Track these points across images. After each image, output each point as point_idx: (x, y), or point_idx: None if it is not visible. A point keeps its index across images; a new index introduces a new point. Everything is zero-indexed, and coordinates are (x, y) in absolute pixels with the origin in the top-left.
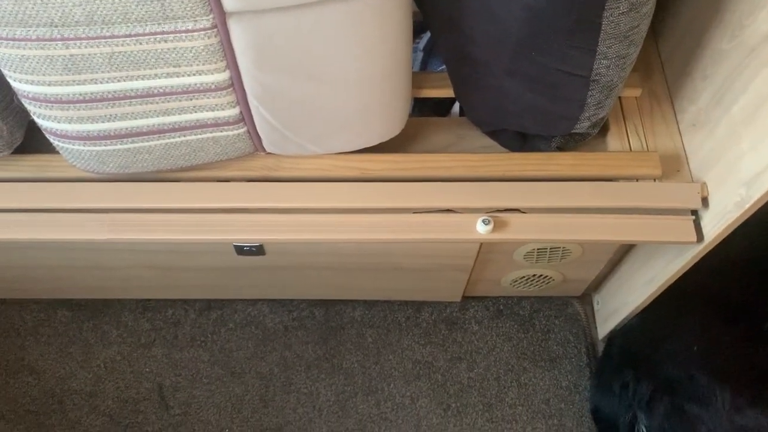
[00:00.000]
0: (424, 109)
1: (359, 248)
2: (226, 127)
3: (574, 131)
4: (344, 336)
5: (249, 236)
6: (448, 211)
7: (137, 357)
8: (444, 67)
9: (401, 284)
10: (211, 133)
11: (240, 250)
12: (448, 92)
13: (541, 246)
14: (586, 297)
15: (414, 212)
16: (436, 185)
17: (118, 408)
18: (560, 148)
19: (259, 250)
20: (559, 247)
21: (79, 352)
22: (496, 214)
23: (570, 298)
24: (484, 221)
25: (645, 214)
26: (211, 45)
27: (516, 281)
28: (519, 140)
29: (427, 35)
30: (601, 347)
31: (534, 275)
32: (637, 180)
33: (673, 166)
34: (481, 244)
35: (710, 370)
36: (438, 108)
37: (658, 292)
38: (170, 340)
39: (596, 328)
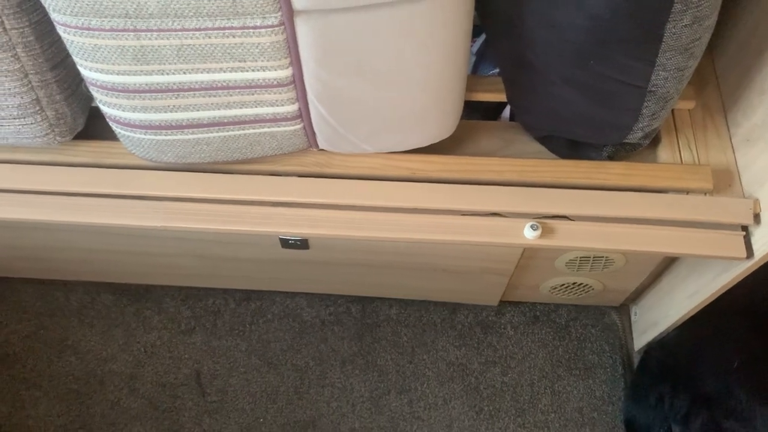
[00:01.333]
0: (473, 112)
1: (402, 247)
2: (283, 123)
3: (625, 141)
4: (380, 333)
5: (299, 230)
6: (496, 214)
7: (177, 343)
8: (495, 71)
9: (439, 285)
10: (268, 127)
11: (285, 243)
12: (499, 96)
13: (584, 254)
14: (624, 307)
15: (462, 214)
16: (484, 188)
17: (157, 392)
18: (611, 157)
19: (303, 244)
20: (603, 256)
21: (121, 335)
22: (544, 221)
23: (607, 308)
24: (532, 227)
25: (694, 227)
26: (277, 42)
27: (555, 288)
28: (569, 147)
29: (480, 39)
30: (636, 358)
31: (574, 283)
32: (687, 193)
33: (724, 181)
34: (524, 249)
35: (750, 387)
36: (486, 112)
37: (701, 307)
38: (210, 328)
39: (632, 339)
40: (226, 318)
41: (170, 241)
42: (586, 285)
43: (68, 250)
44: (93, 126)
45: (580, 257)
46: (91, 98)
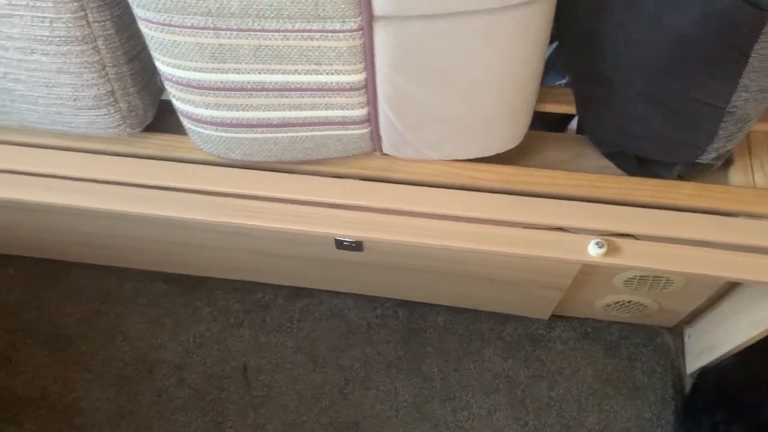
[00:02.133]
0: (538, 122)
1: (458, 255)
2: (351, 126)
3: (697, 161)
4: (426, 339)
5: (358, 233)
6: (560, 229)
7: (225, 336)
8: (563, 81)
9: (490, 295)
10: (336, 130)
11: (340, 244)
12: (567, 108)
13: (644, 273)
14: (677, 329)
15: (524, 227)
16: (549, 202)
17: (203, 383)
18: (681, 177)
19: (358, 246)
20: (663, 277)
21: (171, 324)
22: (610, 238)
23: (660, 328)
24: (597, 244)
25: (764, 254)
26: (354, 46)
27: (609, 305)
28: (638, 164)
29: (550, 47)
30: (688, 382)
31: (630, 301)
32: (759, 218)
33: None
34: (583, 265)
35: None
36: (551, 123)
37: (764, 335)
38: (258, 323)
39: (685, 361)
40: (274, 314)
41: (226, 236)
42: (642, 304)
43: (125, 239)
44: (161, 119)
45: (640, 276)
46: (160, 92)
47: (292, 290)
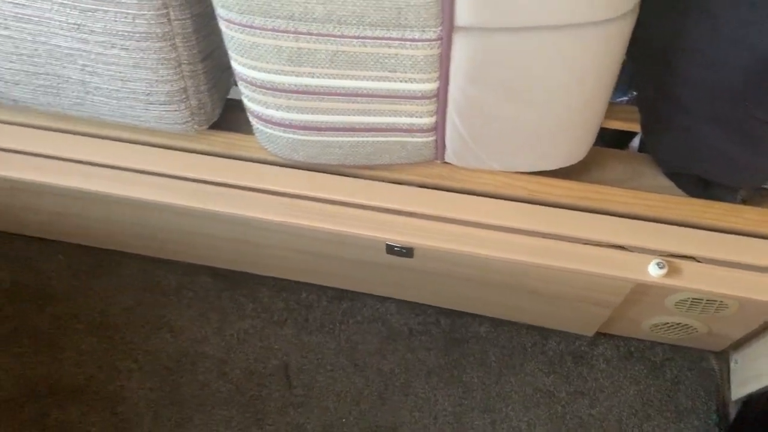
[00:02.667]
0: (598, 139)
1: (510, 267)
2: (417, 134)
3: (764, 186)
4: (467, 350)
5: (416, 240)
6: (620, 247)
7: (268, 333)
8: (624, 98)
9: (536, 308)
10: (401, 137)
11: (390, 249)
12: (630, 126)
13: (698, 296)
14: (723, 354)
15: (584, 243)
16: (610, 219)
17: (245, 379)
18: (744, 201)
19: (408, 252)
20: (717, 300)
21: (216, 319)
22: (670, 259)
23: (706, 352)
24: (658, 264)
25: None
26: (430, 56)
27: (657, 326)
28: (700, 186)
29: None
30: (733, 408)
31: (679, 323)
32: None
33: None
34: (637, 284)
35: None
36: (612, 139)
37: None
38: (301, 323)
39: (730, 388)
40: (317, 314)
41: (278, 234)
42: (692, 327)
43: (176, 232)
44: (224, 117)
45: (693, 298)
46: (227, 90)
47: (336, 292)
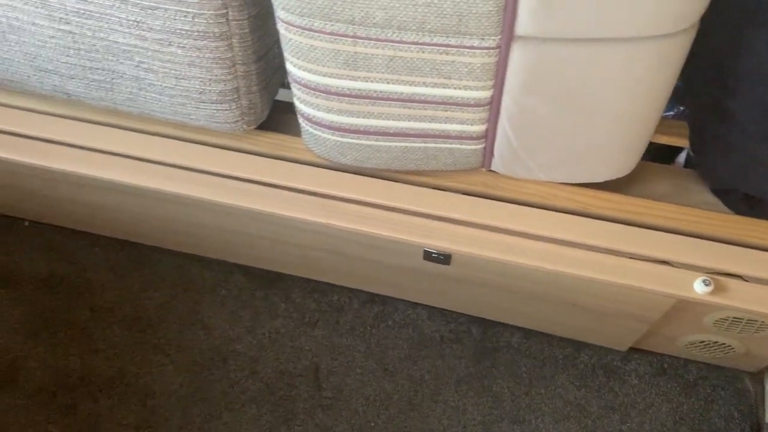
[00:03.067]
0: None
1: (549, 278)
2: (467, 141)
3: None
4: (498, 359)
5: (457, 247)
6: (665, 262)
7: (299, 334)
8: (670, 113)
9: (571, 321)
10: (450, 144)
11: (428, 255)
12: (678, 141)
13: (739, 315)
14: (758, 375)
15: (629, 257)
16: (656, 234)
17: (275, 378)
18: None
19: (446, 259)
20: (757, 320)
21: (248, 317)
22: (716, 277)
23: (741, 372)
24: (704, 282)
25: None
26: (487, 64)
27: (693, 344)
28: (748, 205)
29: None
30: (766, 431)
31: (716, 342)
32: None
33: None
34: (677, 300)
35: None
36: (657, 154)
37: None
38: (332, 324)
39: (765, 410)
40: (348, 317)
41: (316, 235)
42: (729, 346)
43: (213, 229)
44: (271, 118)
45: (734, 317)
46: (276, 91)
47: (367, 296)
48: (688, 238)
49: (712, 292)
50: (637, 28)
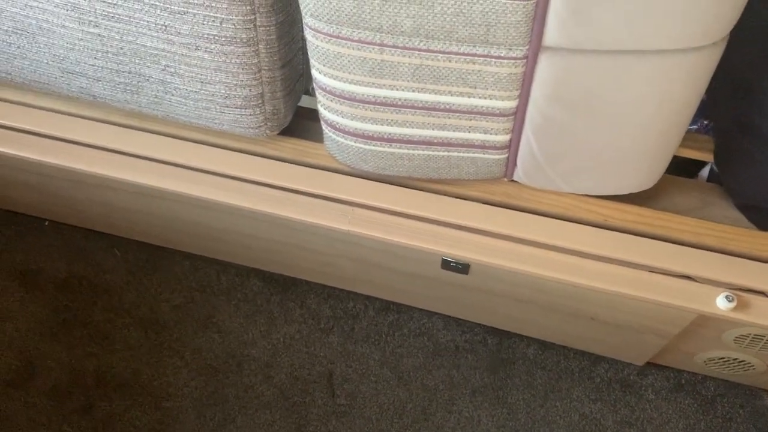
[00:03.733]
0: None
1: (568, 290)
2: (490, 151)
3: None
4: (514, 371)
5: (477, 256)
6: (687, 277)
7: (314, 340)
8: (694, 127)
9: (588, 334)
10: (473, 153)
11: (446, 264)
12: (701, 155)
13: (761, 332)
14: None
15: (650, 271)
16: (679, 248)
17: (289, 384)
18: None
19: (464, 269)
20: None
21: (263, 322)
22: (739, 293)
23: (760, 390)
24: (727, 297)
25: None
26: (514, 74)
27: (712, 360)
28: None
29: None
30: None
31: (735, 359)
32: None
33: None
34: (697, 316)
35: None
36: (679, 167)
37: None
38: (347, 331)
39: None
40: (363, 324)
41: (335, 242)
42: (748, 363)
43: (232, 233)
44: (294, 123)
45: (755, 334)
46: (299, 98)
47: (383, 303)
48: (711, 253)
49: (735, 309)
50: (666, 40)
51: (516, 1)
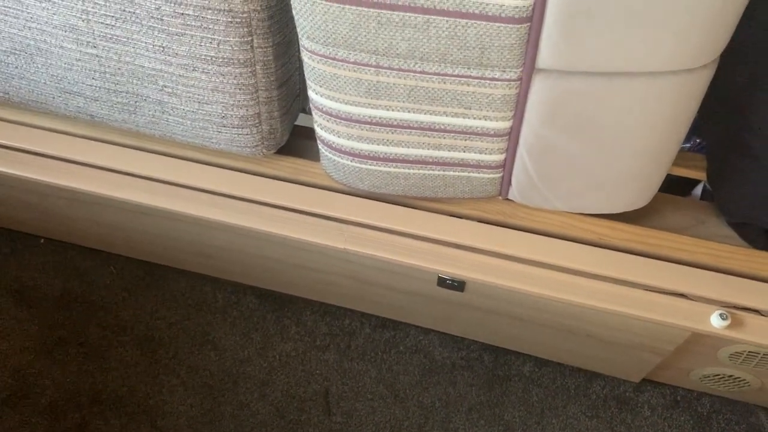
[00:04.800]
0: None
1: (563, 308)
2: (485, 170)
3: None
4: (510, 388)
5: (472, 275)
6: (681, 295)
7: (310, 357)
8: (687, 145)
9: (584, 351)
10: (468, 172)
11: (442, 282)
12: (694, 173)
13: (755, 350)
14: None
15: (645, 289)
16: (673, 266)
17: (285, 402)
18: None
19: (460, 286)
20: None
21: (259, 339)
22: (733, 311)
23: (755, 407)
24: (721, 315)
25: None
26: (508, 95)
27: (707, 377)
28: (765, 238)
29: None
30: None
31: (730, 376)
32: None
33: None
34: (692, 333)
35: None
36: (672, 186)
37: None
38: (343, 349)
39: None
40: (359, 341)
41: (331, 260)
42: (743, 380)
43: (230, 251)
44: (291, 142)
45: (749, 351)
46: (296, 117)
47: (379, 320)
48: (705, 271)
49: (729, 326)
50: (658, 63)
51: (510, 25)
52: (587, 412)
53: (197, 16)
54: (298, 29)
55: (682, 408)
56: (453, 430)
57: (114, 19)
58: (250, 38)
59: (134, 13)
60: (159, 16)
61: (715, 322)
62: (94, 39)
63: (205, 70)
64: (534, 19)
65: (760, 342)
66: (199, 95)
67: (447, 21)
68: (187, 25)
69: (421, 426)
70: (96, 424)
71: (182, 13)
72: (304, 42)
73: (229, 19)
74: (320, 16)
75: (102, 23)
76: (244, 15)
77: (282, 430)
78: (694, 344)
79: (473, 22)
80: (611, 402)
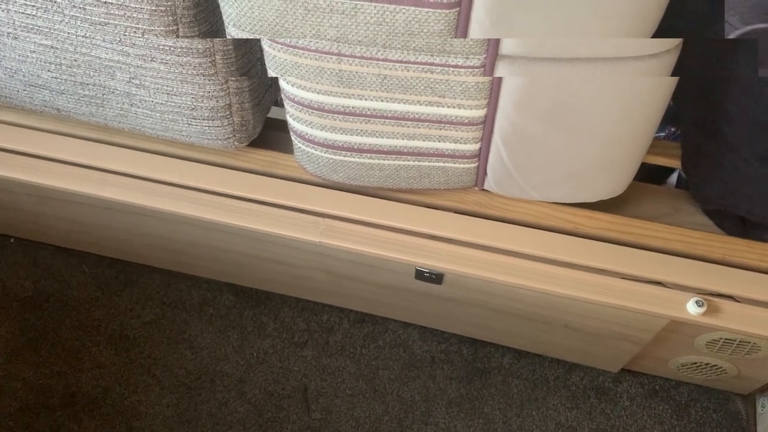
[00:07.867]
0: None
1: (541, 299)
2: (460, 160)
3: None
4: (489, 380)
5: (449, 266)
6: (657, 283)
7: (288, 354)
8: (662, 134)
9: (563, 342)
10: (444, 162)
11: (420, 274)
12: (669, 162)
13: (731, 337)
14: (750, 397)
15: (621, 277)
16: (649, 254)
17: (263, 399)
18: None
19: (438, 278)
20: (750, 342)
21: (236, 337)
22: (709, 298)
23: (733, 395)
24: (697, 302)
25: None
26: (481, 83)
27: (685, 366)
28: (740, 226)
29: None
30: None
31: (707, 364)
32: None
33: None
34: (669, 321)
35: None
36: (647, 174)
37: None
38: (322, 345)
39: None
40: (338, 337)
41: (307, 254)
42: (721, 368)
43: (203, 247)
44: (263, 135)
45: (725, 339)
46: (269, 109)
47: (358, 315)
48: (681, 258)
49: (705, 313)
50: (613, 48)
51: (438, 10)
52: (567, 403)
53: (120, 4)
54: (224, 17)
55: (660, 397)
56: (433, 424)
57: (35, 8)
58: (175, 27)
59: (55, 2)
60: (81, 5)
61: (692, 309)
62: (15, 30)
63: (164, 61)
64: (462, 3)
65: (735, 328)
66: (167, 87)
67: (375, 6)
68: (111, 14)
69: (401, 420)
70: (70, 427)
71: (105, 2)
72: (230, 30)
73: (153, 8)
74: (246, 3)
75: (22, 12)
76: (169, 3)
77: (260, 428)
78: (671, 333)
79: (402, 7)
80: (590, 392)
